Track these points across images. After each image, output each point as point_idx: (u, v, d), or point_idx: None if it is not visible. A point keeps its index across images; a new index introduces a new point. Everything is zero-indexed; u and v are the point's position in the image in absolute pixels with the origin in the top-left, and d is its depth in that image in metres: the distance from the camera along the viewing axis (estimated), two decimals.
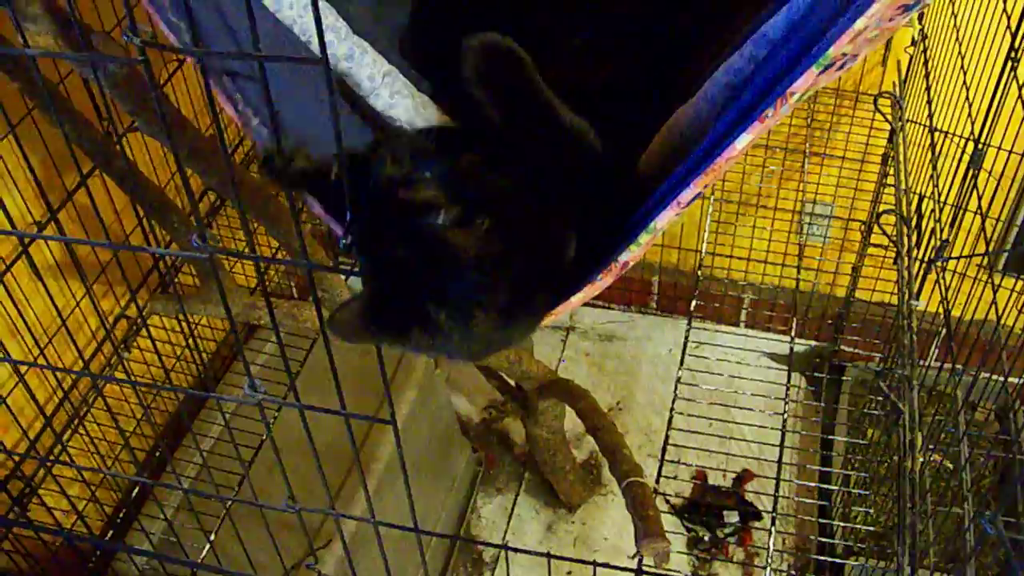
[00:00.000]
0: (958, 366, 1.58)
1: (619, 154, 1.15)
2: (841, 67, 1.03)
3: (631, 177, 1.14)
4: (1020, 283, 2.27)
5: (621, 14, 1.24)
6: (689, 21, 1.21)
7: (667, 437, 1.95)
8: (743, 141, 0.90)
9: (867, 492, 2.19)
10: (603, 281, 1.00)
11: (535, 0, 1.26)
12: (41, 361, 1.92)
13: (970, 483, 1.57)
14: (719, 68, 1.04)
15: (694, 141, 1.02)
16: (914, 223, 1.91)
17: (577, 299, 1.01)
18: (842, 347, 2.93)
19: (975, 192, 1.66)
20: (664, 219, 0.96)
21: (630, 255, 0.98)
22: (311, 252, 1.46)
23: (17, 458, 1.90)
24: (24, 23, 1.03)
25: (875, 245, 2.42)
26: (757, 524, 2.69)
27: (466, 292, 0.93)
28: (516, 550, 1.28)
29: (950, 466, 2.28)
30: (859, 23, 0.82)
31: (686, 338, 2.20)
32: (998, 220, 2.44)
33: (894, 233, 1.93)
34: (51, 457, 2.00)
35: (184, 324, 2.26)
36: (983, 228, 1.60)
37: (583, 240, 1.05)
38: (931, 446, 1.85)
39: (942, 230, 1.78)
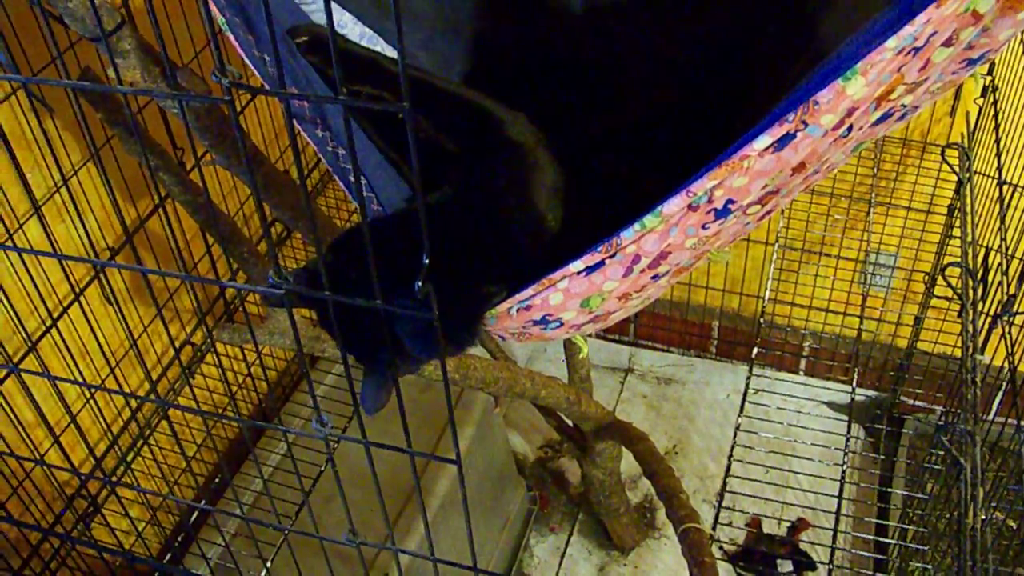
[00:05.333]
0: (1023, 423, 1.56)
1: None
2: (902, 117, 1.04)
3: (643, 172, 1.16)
4: None
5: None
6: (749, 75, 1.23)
7: (724, 484, 1.94)
8: (761, 142, 0.91)
9: (925, 547, 2.16)
10: (601, 255, 1.02)
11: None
12: (110, 382, 1.96)
13: None
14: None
15: None
16: (980, 276, 1.89)
17: (575, 266, 1.04)
18: (902, 398, 2.90)
19: None
20: (672, 205, 0.97)
21: (634, 234, 0.99)
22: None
23: (83, 477, 1.94)
24: (115, 58, 1.07)
25: (938, 297, 2.39)
26: (811, 574, 2.65)
27: None
28: None
29: (1013, 525, 2.23)
30: (890, 42, 0.83)
31: (747, 385, 2.19)
32: None
33: (959, 285, 1.91)
34: (115, 478, 2.03)
35: (249, 352, 2.30)
36: None
37: (579, 217, 1.10)
38: (993, 503, 1.81)
39: (1009, 284, 1.76)
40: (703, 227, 1.00)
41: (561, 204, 1.10)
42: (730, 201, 0.97)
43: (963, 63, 0.95)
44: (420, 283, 0.66)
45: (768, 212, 1.07)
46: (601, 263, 1.02)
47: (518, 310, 1.08)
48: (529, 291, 1.05)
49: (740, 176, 0.93)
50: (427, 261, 0.66)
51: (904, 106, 0.97)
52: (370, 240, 0.71)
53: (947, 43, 0.87)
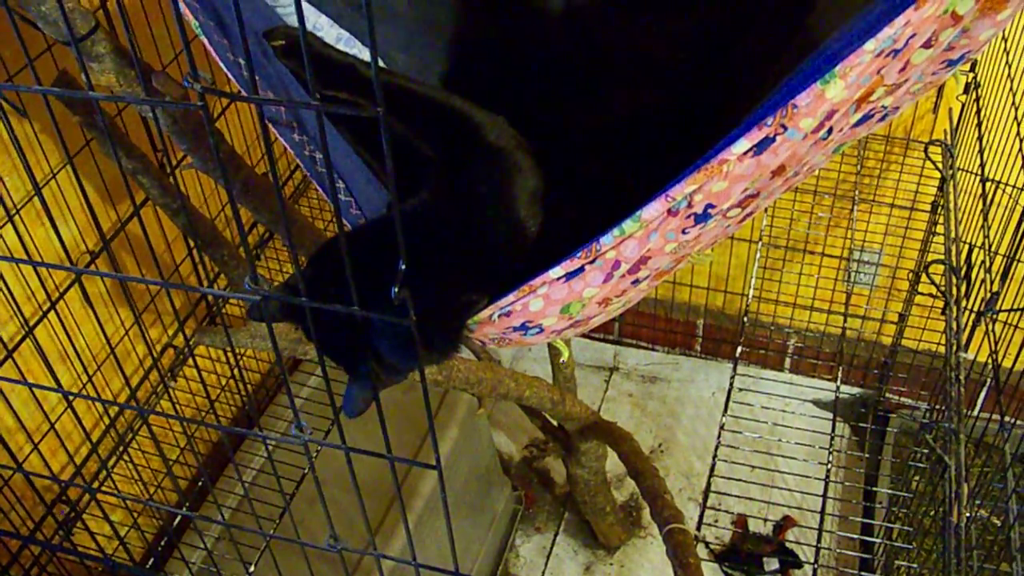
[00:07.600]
0: (1007, 419, 1.56)
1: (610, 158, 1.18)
2: (883, 118, 1.03)
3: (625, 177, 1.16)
4: None
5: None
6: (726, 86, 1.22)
7: (709, 483, 1.94)
8: (740, 146, 0.90)
9: (910, 545, 2.16)
10: (581, 261, 1.01)
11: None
12: (89, 387, 1.95)
13: (1019, 542, 1.54)
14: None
15: None
16: (963, 273, 1.89)
17: (555, 272, 1.02)
18: (887, 395, 2.90)
19: None
20: (651, 211, 0.96)
21: (613, 240, 0.98)
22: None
23: (63, 484, 1.92)
24: (88, 62, 1.06)
25: (923, 294, 2.39)
26: (797, 573, 2.65)
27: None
28: None
29: (997, 523, 2.23)
30: (869, 44, 0.82)
31: (731, 384, 2.19)
32: None
33: (943, 283, 1.91)
34: (96, 484, 2.02)
35: (230, 355, 2.28)
36: None
37: (558, 221, 1.10)
38: (978, 501, 1.81)
39: (992, 281, 1.76)
40: (683, 232, 1.00)
41: (541, 209, 1.09)
42: (710, 205, 0.96)
43: (943, 64, 0.95)
44: (396, 289, 0.65)
45: (749, 214, 1.07)
46: (581, 269, 1.01)
47: (499, 316, 1.07)
48: (510, 297, 1.05)
49: (719, 180, 0.92)
50: (403, 267, 0.65)
51: (884, 107, 0.97)
52: (349, 252, 0.70)
53: (927, 44, 0.87)
